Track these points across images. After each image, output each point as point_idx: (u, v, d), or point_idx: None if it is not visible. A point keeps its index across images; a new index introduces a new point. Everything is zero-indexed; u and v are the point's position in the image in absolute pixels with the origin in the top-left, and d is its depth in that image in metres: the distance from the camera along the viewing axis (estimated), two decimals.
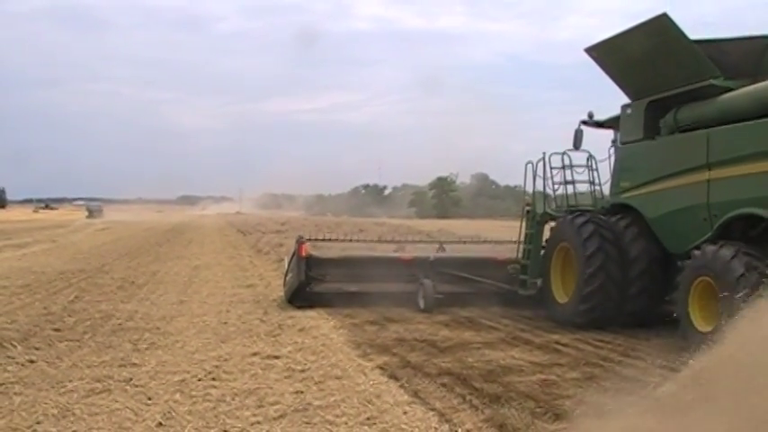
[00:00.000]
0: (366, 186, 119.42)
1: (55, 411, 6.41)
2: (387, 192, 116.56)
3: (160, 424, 6.10)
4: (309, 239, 13.94)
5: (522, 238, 13.19)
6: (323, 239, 15.19)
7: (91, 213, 78.18)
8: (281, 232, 35.14)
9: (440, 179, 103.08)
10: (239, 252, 27.10)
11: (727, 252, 8.80)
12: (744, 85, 9.57)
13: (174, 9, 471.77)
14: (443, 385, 7.45)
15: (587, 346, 9.67)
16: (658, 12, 9.84)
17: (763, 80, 9.42)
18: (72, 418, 6.24)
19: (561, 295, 11.76)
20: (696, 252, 9.35)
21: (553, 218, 12.64)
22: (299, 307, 12.77)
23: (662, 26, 9.94)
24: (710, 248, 9.11)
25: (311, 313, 12.15)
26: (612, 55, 11.10)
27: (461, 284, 13.42)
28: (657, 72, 10.55)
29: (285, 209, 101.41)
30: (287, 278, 13.74)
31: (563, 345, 9.80)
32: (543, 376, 7.81)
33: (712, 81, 9.82)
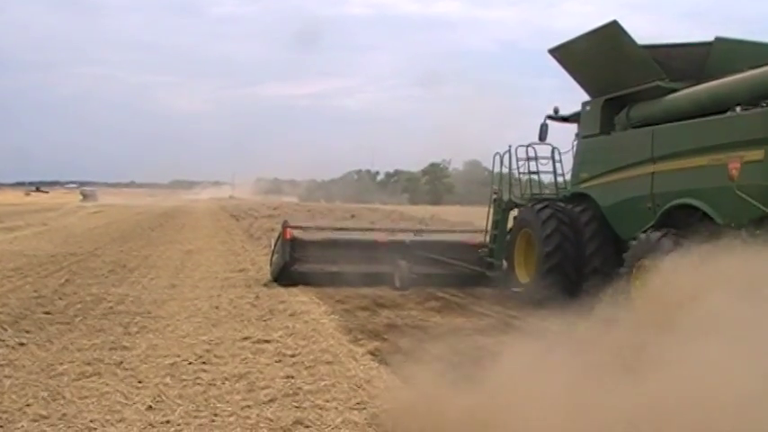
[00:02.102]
0: (359, 172, 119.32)
1: (45, 394, 6.41)
2: (379, 178, 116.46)
3: (150, 407, 6.10)
4: (295, 227, 14.71)
5: (490, 224, 14.08)
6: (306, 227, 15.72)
7: (85, 197, 78.61)
8: (274, 217, 35.10)
9: (432, 165, 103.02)
10: (231, 237, 27.06)
11: (656, 234, 9.76)
12: (686, 87, 10.40)
13: None
14: (434, 371, 7.47)
15: None
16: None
17: (704, 83, 10.18)
18: (62, 401, 6.23)
19: (524, 276, 12.66)
20: (638, 237, 10.14)
21: (517, 205, 13.51)
22: (285, 285, 13.40)
23: (612, 32, 10.89)
24: (649, 234, 9.93)
25: (302, 298, 12.18)
26: (572, 57, 11.99)
27: (435, 266, 14.19)
28: (611, 73, 11.46)
29: (286, 194, 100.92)
30: (273, 259, 14.58)
31: (553, 332, 9.83)
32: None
33: (658, 83, 10.72)
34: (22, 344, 8.38)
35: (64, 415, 5.89)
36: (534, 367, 6.51)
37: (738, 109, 9.38)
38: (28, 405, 6.11)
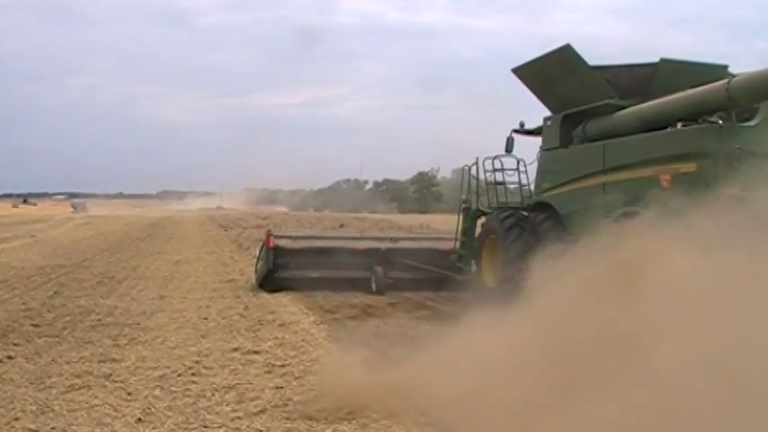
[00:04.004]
0: (347, 181, 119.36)
1: (34, 408, 6.39)
2: (368, 187, 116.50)
3: (140, 419, 6.10)
4: (279, 236, 15.65)
5: (460, 232, 14.76)
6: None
7: (76, 209, 79.96)
8: (263, 227, 35.08)
9: (421, 174, 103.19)
10: (220, 247, 27.03)
11: None
12: (634, 105, 11.10)
13: (155, 3, 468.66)
14: (424, 379, 7.48)
15: None
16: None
17: (650, 101, 10.84)
18: (51, 415, 6.23)
19: (490, 280, 13.13)
20: None
21: (484, 214, 14.16)
22: (271, 292, 14.00)
23: (566, 55, 11.65)
24: None
25: (292, 308, 12.19)
26: (532, 76, 12.75)
27: (409, 271, 15.02)
28: (566, 92, 12.16)
29: (281, 203, 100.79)
30: (258, 266, 15.48)
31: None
32: None
33: (608, 101, 11.43)
34: (10, 357, 8.36)
35: (53, 428, 5.89)
36: (523, 370, 6.60)
37: (679, 125, 10.17)
38: (17, 419, 6.10)
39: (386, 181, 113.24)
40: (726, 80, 9.45)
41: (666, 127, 10.33)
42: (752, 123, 9.67)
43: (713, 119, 10.02)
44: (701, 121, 10.06)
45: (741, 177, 8.75)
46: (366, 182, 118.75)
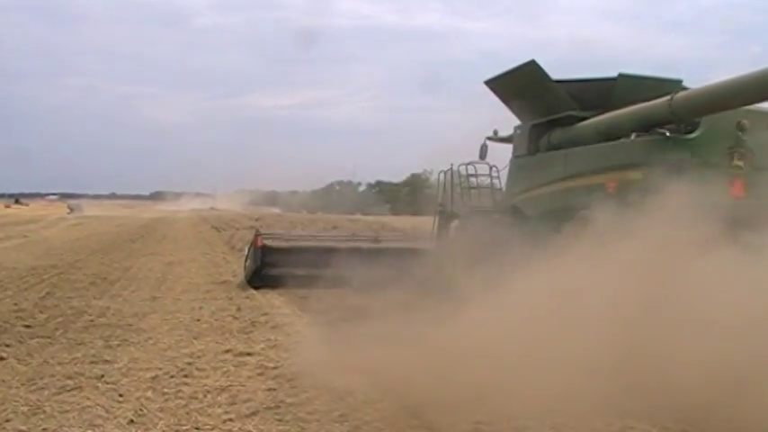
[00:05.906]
0: (341, 183, 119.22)
1: (25, 409, 6.38)
2: (361, 188, 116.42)
3: (131, 421, 6.09)
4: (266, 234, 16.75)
5: (435, 233, 15.97)
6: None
7: (72, 210, 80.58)
8: (255, 228, 34.98)
9: (414, 176, 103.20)
10: (213, 248, 26.94)
11: None
12: (594, 116, 11.97)
13: (151, 3, 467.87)
14: (416, 383, 7.48)
15: None
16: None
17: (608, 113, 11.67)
18: (43, 416, 6.21)
19: (464, 279, 13.43)
20: None
21: (458, 216, 15.25)
22: (257, 288, 14.65)
23: (531, 70, 12.53)
24: None
25: (285, 310, 12.17)
26: (502, 88, 13.59)
27: (390, 269, 15.05)
28: (532, 103, 13.07)
29: (281, 205, 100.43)
30: (246, 264, 16.36)
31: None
32: None
33: (571, 112, 12.39)
34: (1, 358, 8.34)
35: (44, 430, 5.88)
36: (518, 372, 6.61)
37: (633, 136, 10.91)
38: (8, 420, 6.09)
39: (379, 183, 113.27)
40: (669, 96, 10.19)
41: (620, 138, 11.09)
42: (692, 136, 10.43)
43: (662, 130, 10.62)
44: (651, 132, 10.71)
45: (683, 185, 9.25)
46: (359, 183, 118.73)
